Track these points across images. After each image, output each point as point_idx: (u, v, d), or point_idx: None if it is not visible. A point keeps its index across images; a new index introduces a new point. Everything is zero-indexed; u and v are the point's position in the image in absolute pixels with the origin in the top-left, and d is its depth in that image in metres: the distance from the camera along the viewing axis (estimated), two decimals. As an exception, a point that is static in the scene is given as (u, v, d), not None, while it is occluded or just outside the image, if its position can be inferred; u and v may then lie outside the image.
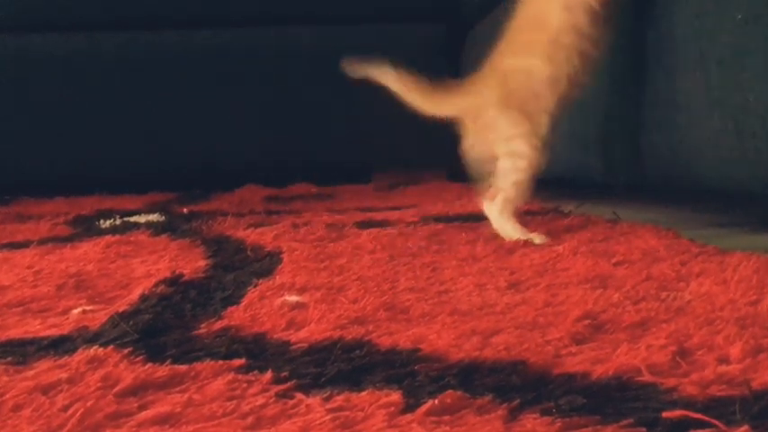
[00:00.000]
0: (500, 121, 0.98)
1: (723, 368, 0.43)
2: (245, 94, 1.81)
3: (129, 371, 0.47)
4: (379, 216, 1.19)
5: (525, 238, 0.92)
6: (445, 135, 1.86)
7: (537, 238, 0.92)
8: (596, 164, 1.16)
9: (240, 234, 1.01)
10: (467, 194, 1.25)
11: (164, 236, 1.04)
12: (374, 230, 1.01)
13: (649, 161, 1.03)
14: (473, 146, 1.01)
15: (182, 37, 1.79)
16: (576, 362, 0.46)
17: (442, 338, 0.51)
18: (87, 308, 0.63)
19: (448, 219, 1.11)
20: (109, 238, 1.01)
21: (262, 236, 0.99)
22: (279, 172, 1.81)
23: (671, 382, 0.41)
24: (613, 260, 0.75)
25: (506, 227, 0.95)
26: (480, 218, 1.01)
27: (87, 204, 1.51)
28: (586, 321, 0.53)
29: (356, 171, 1.86)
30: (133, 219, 1.22)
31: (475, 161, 1.02)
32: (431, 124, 1.88)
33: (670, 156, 0.97)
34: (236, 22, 1.80)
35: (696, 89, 0.86)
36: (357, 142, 1.85)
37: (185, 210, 1.31)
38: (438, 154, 1.82)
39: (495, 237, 0.95)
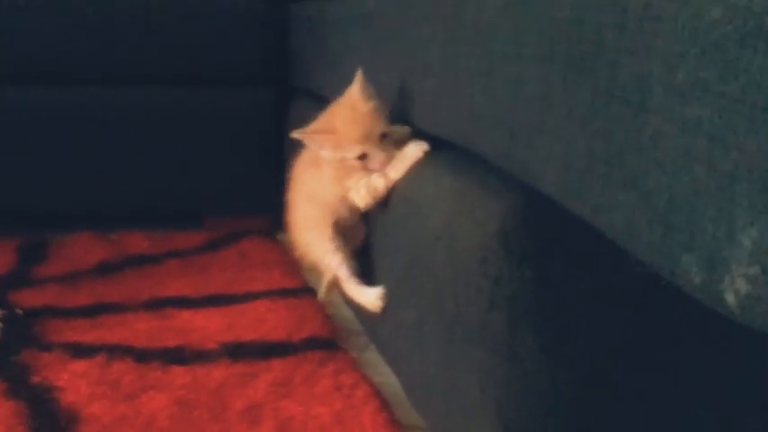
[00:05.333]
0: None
1: None
2: (87, 147, 1.95)
3: None
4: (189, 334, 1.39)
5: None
6: (270, 185, 2.04)
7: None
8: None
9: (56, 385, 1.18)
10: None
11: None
12: (179, 373, 1.21)
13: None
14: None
15: (16, 93, 1.91)
16: None
17: None
18: None
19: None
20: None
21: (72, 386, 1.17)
22: (113, 216, 1.98)
23: None
24: None
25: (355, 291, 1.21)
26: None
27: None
28: None
29: (187, 217, 2.04)
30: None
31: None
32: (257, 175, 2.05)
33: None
34: (74, 81, 1.92)
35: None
36: (187, 190, 2.02)
37: (20, 311, 1.46)
38: (263, 202, 2.02)
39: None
